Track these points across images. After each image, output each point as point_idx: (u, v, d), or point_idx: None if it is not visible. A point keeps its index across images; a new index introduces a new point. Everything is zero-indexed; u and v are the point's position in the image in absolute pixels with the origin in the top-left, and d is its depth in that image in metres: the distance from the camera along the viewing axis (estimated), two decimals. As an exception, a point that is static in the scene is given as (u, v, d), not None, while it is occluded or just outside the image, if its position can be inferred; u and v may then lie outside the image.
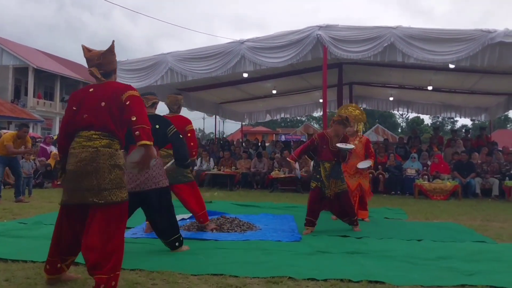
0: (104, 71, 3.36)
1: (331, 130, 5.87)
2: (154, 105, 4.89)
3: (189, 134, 5.51)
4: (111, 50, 3.41)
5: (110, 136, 3.20)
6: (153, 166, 4.24)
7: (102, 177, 3.11)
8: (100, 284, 2.95)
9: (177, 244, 4.41)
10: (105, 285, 2.96)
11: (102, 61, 3.36)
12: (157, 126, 4.39)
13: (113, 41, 3.46)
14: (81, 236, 3.15)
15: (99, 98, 3.23)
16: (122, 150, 3.34)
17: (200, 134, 51.32)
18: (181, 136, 4.56)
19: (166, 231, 4.38)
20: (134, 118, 3.08)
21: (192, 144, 5.48)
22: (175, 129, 4.53)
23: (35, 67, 29.26)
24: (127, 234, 5.27)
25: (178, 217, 6.54)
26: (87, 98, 3.28)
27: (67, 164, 3.23)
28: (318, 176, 5.70)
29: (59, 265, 3.29)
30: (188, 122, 5.70)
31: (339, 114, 6.75)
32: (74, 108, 3.28)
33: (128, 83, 13.59)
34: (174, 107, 5.81)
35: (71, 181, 3.19)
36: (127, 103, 3.16)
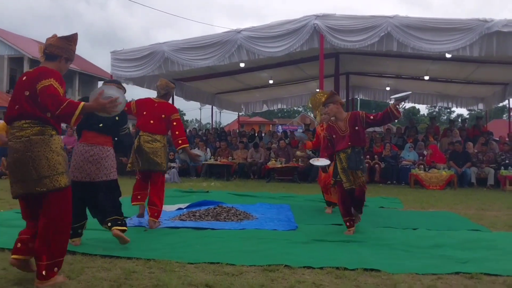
0: (50, 52, 3.29)
1: (329, 119, 5.42)
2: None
3: (174, 123, 5.44)
4: (67, 38, 3.35)
5: None
6: (105, 158, 4.19)
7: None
8: None
9: (119, 222, 4.14)
10: None
11: (53, 42, 3.31)
12: (117, 118, 4.26)
13: (76, 33, 3.43)
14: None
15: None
16: None
17: (197, 125, 51.24)
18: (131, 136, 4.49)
19: (108, 210, 4.14)
20: None
21: (177, 133, 5.45)
22: (128, 128, 4.47)
23: (31, 57, 29.00)
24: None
25: (175, 206, 6.64)
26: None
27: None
28: (336, 170, 5.07)
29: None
30: (174, 110, 5.59)
31: (311, 100, 6.72)
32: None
33: (124, 73, 13.51)
34: (161, 92, 5.58)
35: None
36: None
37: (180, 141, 5.44)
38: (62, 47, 3.32)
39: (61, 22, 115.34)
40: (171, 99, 6.20)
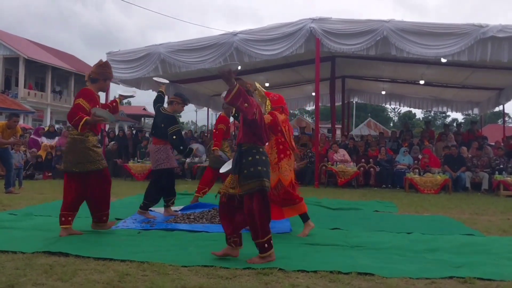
0: (92, 77, 4.77)
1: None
2: (172, 104, 6.15)
3: (215, 131, 7.27)
4: (100, 65, 4.80)
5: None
6: (155, 152, 5.94)
7: None
8: None
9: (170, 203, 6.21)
10: None
11: (92, 69, 4.80)
12: (162, 125, 5.93)
13: (106, 61, 4.92)
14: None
15: None
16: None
17: (193, 127, 51.24)
18: (174, 136, 5.90)
19: (167, 195, 6.15)
20: None
21: (214, 139, 7.14)
22: (175, 130, 5.92)
23: (26, 57, 28.92)
24: (119, 225, 5.28)
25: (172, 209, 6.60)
26: None
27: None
28: None
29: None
30: (218, 122, 7.26)
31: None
32: None
33: (120, 74, 13.43)
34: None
35: None
36: None
37: (213, 145, 7.12)
38: (98, 72, 4.76)
39: (57, 21, 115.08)
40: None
